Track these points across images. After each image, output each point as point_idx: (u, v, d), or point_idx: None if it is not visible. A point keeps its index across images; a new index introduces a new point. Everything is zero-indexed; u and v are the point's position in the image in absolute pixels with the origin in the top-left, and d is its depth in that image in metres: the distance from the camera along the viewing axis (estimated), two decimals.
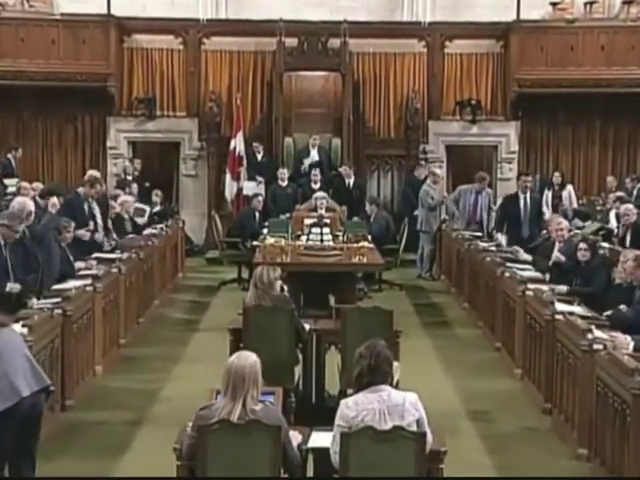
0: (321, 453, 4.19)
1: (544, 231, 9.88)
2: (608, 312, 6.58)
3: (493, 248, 10.20)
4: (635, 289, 6.68)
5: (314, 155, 14.39)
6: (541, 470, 5.72)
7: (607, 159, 15.32)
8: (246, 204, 13.37)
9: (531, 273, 8.61)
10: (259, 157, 14.45)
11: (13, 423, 4.56)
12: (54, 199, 9.37)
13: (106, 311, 7.98)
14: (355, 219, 12.64)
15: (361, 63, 15.02)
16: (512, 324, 8.06)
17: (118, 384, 7.53)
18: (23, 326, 5.75)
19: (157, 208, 13.29)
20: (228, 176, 14.31)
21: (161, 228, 11.75)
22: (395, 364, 4.31)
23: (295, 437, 4.22)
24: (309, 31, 14.55)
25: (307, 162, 14.31)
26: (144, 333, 9.35)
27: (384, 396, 4.05)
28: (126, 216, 10.93)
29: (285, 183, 13.71)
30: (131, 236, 10.58)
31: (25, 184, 10.82)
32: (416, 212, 12.82)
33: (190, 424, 4.12)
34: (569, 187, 13.91)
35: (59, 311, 6.59)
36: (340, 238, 9.95)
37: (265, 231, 10.94)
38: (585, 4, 14.60)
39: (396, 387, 4.46)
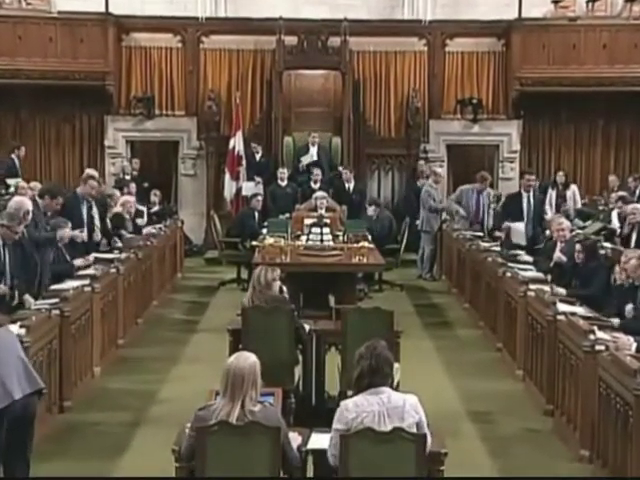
0: (321, 454, 4.17)
1: (547, 231, 9.81)
2: (617, 319, 6.47)
3: (495, 248, 10.16)
4: (638, 289, 6.62)
5: (313, 153, 14.33)
6: (543, 472, 5.69)
7: (609, 158, 15.28)
8: (245, 204, 13.32)
9: (533, 273, 8.58)
10: (257, 157, 14.40)
11: (5, 425, 4.54)
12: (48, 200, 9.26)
13: (104, 312, 7.94)
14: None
15: (361, 61, 14.99)
16: (514, 325, 8.03)
17: (116, 385, 7.50)
18: (21, 327, 5.73)
19: (156, 208, 13.24)
20: (227, 176, 14.26)
21: (160, 228, 11.70)
22: (395, 365, 4.28)
23: (295, 439, 4.20)
24: (309, 29, 14.51)
25: (305, 161, 14.25)
26: (143, 334, 9.32)
27: (384, 398, 4.02)
28: (127, 216, 10.89)
29: (285, 183, 13.65)
30: (130, 236, 10.54)
31: (22, 183, 10.75)
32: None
33: (189, 425, 4.09)
34: (573, 187, 13.84)
35: (57, 312, 6.55)
36: (340, 238, 9.92)
37: (264, 231, 10.87)
38: (587, 2, 14.46)
39: (396, 388, 4.43)
